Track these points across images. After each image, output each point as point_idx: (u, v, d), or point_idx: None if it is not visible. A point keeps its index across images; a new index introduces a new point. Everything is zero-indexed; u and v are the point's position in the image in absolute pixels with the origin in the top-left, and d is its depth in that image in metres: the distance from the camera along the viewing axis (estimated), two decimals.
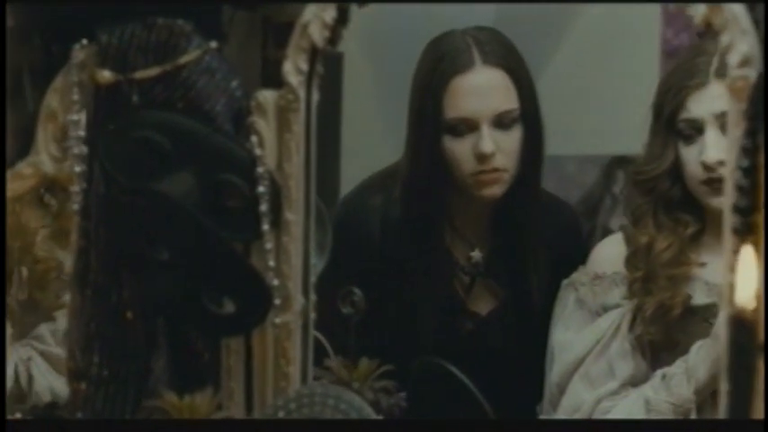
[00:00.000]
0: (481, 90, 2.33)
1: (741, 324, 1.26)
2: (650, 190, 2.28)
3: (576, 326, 2.32)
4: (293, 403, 1.58)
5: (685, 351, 2.21)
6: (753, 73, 1.43)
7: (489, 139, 2.31)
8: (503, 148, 2.33)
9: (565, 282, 2.37)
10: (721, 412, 1.44)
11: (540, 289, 2.38)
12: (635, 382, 2.26)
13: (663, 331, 2.23)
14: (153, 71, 1.70)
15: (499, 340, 2.41)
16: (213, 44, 1.72)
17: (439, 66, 2.34)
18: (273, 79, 1.75)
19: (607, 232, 3.97)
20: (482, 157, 2.32)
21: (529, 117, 2.36)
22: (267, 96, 1.70)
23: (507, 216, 2.40)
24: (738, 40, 1.44)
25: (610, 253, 2.35)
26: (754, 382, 1.28)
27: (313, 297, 1.73)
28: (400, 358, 1.91)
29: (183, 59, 1.70)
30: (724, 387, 1.44)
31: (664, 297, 2.23)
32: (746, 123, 1.42)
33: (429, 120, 2.33)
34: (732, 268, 1.42)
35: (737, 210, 1.42)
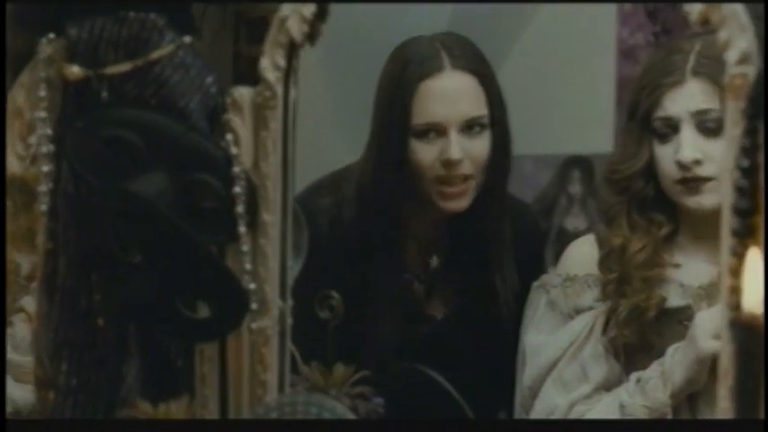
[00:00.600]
0: (450, 95, 2.30)
1: (749, 330, 1.23)
2: (624, 189, 2.26)
3: (548, 328, 2.29)
4: (275, 412, 1.52)
5: (660, 354, 2.19)
6: (752, 70, 1.39)
7: (457, 146, 2.27)
8: (470, 154, 2.30)
9: (535, 284, 2.34)
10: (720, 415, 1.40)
11: (505, 292, 2.33)
12: (609, 385, 2.23)
13: (637, 334, 2.21)
14: (124, 66, 1.64)
15: (455, 344, 2.37)
16: (187, 39, 1.66)
17: (407, 69, 2.30)
18: (246, 75, 1.69)
19: (563, 232, 3.95)
20: (449, 164, 2.28)
21: (497, 124, 2.32)
22: (243, 93, 1.64)
23: (469, 223, 2.36)
24: (737, 36, 1.40)
25: (582, 254, 2.32)
26: (762, 390, 1.24)
27: (290, 301, 1.67)
28: (369, 363, 1.86)
29: (156, 54, 1.64)
30: (723, 393, 1.41)
31: (638, 299, 2.20)
32: (745, 122, 1.38)
33: (396, 123, 2.28)
34: (732, 271, 1.38)
35: (737, 211, 1.38)
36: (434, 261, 2.38)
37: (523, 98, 2.55)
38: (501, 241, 2.37)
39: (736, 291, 1.37)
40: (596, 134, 4.02)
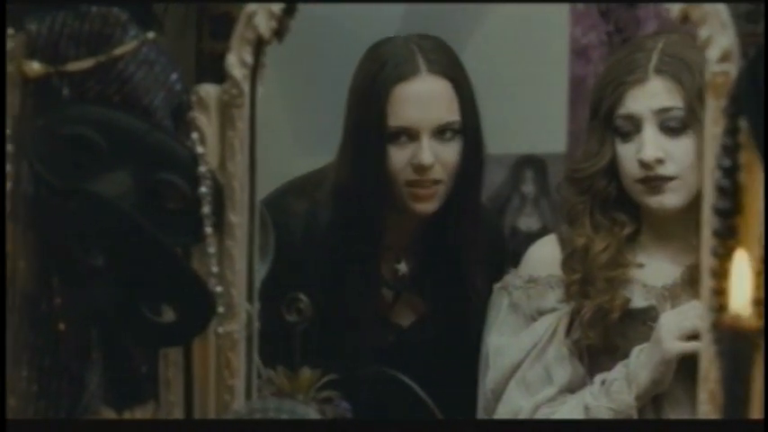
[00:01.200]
0: (424, 99, 2.26)
1: (736, 333, 1.20)
2: (587, 188, 2.24)
3: (511, 330, 2.27)
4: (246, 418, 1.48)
5: (624, 355, 2.17)
6: (733, 68, 1.37)
7: (429, 151, 2.24)
8: (442, 159, 2.26)
9: (497, 285, 2.31)
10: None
11: (475, 299, 2.30)
12: (573, 387, 2.20)
13: (601, 335, 2.19)
14: (86, 63, 1.59)
15: (421, 352, 2.33)
16: (151, 35, 1.61)
17: (382, 72, 2.26)
18: (210, 73, 1.65)
19: (516, 232, 3.93)
20: (420, 169, 2.25)
21: (469, 130, 2.29)
22: (209, 91, 1.61)
23: (440, 229, 2.33)
24: (718, 33, 1.38)
25: (544, 255, 2.30)
26: (750, 394, 1.22)
27: (257, 304, 1.63)
28: (337, 367, 1.83)
29: (119, 51, 1.60)
30: (704, 396, 1.39)
31: (602, 300, 2.18)
32: (726, 121, 1.36)
33: (372, 126, 2.24)
34: (714, 273, 1.36)
35: (717, 212, 1.36)
36: (403, 267, 2.35)
37: (476, 97, 2.52)
38: (473, 249, 2.34)
39: (717, 293, 1.35)
40: (549, 134, 4.01)
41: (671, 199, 2.16)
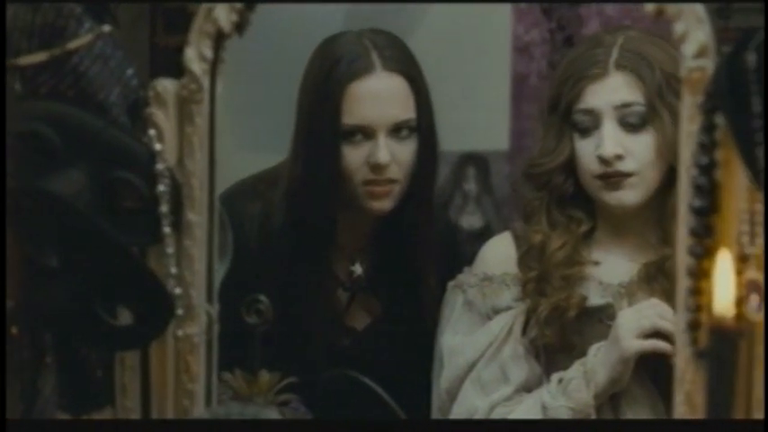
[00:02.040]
0: (380, 97, 2.21)
1: (721, 334, 1.18)
2: (544, 185, 2.22)
3: (466, 329, 2.24)
4: None
5: (581, 353, 2.15)
6: (710, 64, 1.34)
7: (386, 149, 2.20)
8: (398, 158, 2.22)
9: (451, 283, 2.28)
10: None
11: (430, 300, 2.27)
12: (529, 386, 2.18)
13: (558, 333, 2.17)
14: (39, 57, 1.54)
15: (375, 355, 2.30)
16: (106, 28, 1.56)
17: (335, 69, 2.21)
18: (164, 67, 1.60)
19: (458, 230, 3.91)
20: (377, 168, 2.20)
21: (424, 128, 2.25)
22: (167, 86, 1.56)
23: (395, 229, 2.29)
24: (694, 28, 1.35)
25: (498, 253, 2.28)
26: (733, 394, 1.20)
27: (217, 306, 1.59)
28: (297, 370, 1.79)
29: (73, 44, 1.55)
30: (680, 398, 1.36)
31: (558, 298, 2.16)
32: (703, 118, 1.33)
33: (326, 125, 2.19)
34: (690, 273, 1.33)
35: (694, 210, 1.34)
36: (358, 268, 2.31)
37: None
38: (427, 247, 2.30)
39: (694, 292, 1.33)
40: (492, 131, 3.99)
41: (629, 195, 2.15)
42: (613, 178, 2.14)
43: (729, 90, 1.29)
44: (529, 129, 3.67)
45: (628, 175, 2.14)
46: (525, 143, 3.85)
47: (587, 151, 2.16)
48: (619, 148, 2.14)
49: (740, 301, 1.26)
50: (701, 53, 1.35)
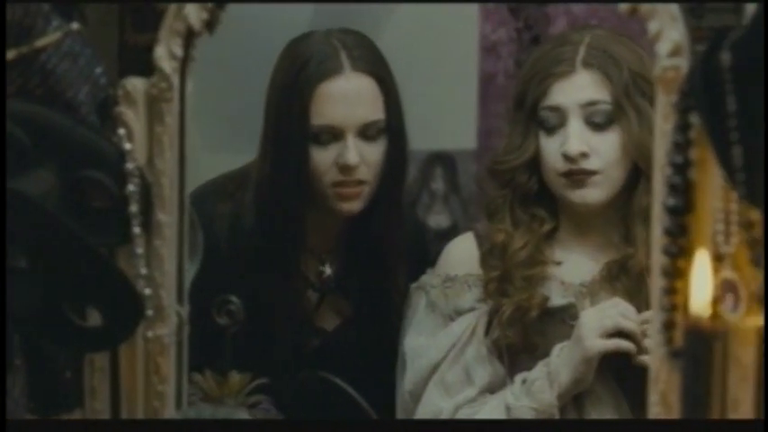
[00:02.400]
0: (349, 97, 2.20)
1: (697, 334, 1.18)
2: (508, 182, 2.21)
3: (429, 331, 2.23)
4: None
5: (544, 354, 2.15)
6: (684, 62, 1.34)
7: (355, 150, 2.18)
8: (367, 159, 2.20)
9: (414, 285, 2.28)
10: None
11: (399, 300, 2.26)
12: (493, 388, 2.18)
13: (521, 334, 2.16)
14: (7, 55, 1.51)
15: (345, 356, 2.28)
16: (75, 25, 1.54)
17: (304, 69, 2.19)
18: (134, 66, 1.58)
19: (427, 230, 3.90)
20: (346, 169, 2.19)
21: (394, 129, 2.24)
22: (137, 84, 1.54)
23: (364, 230, 2.28)
24: (668, 27, 1.35)
25: (461, 254, 2.27)
26: (710, 394, 1.20)
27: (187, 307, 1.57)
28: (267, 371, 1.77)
29: (42, 42, 1.52)
30: (655, 398, 1.36)
31: (520, 298, 2.15)
32: (678, 117, 1.33)
33: (294, 126, 2.18)
34: (665, 272, 1.33)
35: (669, 209, 1.33)
36: (327, 269, 2.29)
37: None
38: (396, 248, 2.29)
39: (669, 292, 1.32)
40: (459, 130, 3.99)
41: (593, 194, 2.15)
42: (578, 176, 2.14)
43: (704, 89, 1.28)
44: (496, 128, 3.67)
45: (592, 173, 2.14)
46: (493, 142, 3.84)
47: (552, 149, 2.16)
48: (584, 146, 2.14)
49: (716, 301, 1.25)
50: (675, 52, 1.34)
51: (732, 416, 1.28)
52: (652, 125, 2.09)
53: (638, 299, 2.12)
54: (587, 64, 2.15)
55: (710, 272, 1.21)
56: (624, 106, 2.14)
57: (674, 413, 1.32)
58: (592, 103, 2.15)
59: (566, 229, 2.23)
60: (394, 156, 2.24)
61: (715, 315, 1.21)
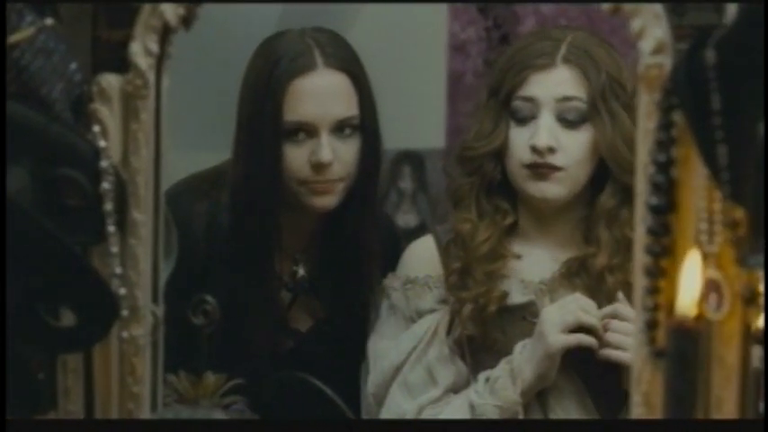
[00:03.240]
0: (323, 94, 2.18)
1: (683, 333, 1.17)
2: (475, 170, 2.21)
3: (391, 333, 2.23)
4: None
5: (505, 352, 2.15)
6: (667, 60, 1.33)
7: (329, 148, 2.16)
8: (341, 157, 2.19)
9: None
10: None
11: (372, 300, 2.24)
12: (456, 388, 2.18)
13: (480, 329, 2.16)
14: None
15: (320, 357, 2.27)
16: (49, 21, 1.51)
17: (278, 66, 2.17)
18: (107, 62, 1.56)
19: (397, 229, 3.89)
20: (319, 166, 2.17)
21: (368, 126, 2.22)
22: (112, 81, 1.51)
23: (337, 229, 2.26)
24: (651, 24, 1.34)
25: (421, 256, 2.27)
26: (695, 394, 1.19)
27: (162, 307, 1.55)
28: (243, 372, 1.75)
29: (15, 38, 1.49)
30: (637, 398, 1.35)
31: (479, 292, 2.15)
32: (661, 115, 1.32)
33: (266, 123, 2.15)
34: (648, 271, 1.32)
35: (652, 208, 1.33)
36: (301, 270, 2.27)
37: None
38: (370, 249, 2.28)
39: (652, 291, 1.32)
40: (428, 129, 3.98)
41: (552, 189, 2.15)
42: (541, 169, 2.14)
43: (689, 87, 1.28)
44: (465, 126, 3.67)
45: (556, 168, 2.14)
46: None
47: (521, 140, 2.16)
48: (553, 140, 2.14)
49: (699, 301, 1.25)
50: (658, 50, 1.34)
51: (716, 415, 1.27)
52: (624, 130, 2.11)
53: (599, 297, 2.13)
54: (567, 60, 2.15)
55: (695, 271, 1.20)
56: (599, 107, 2.14)
57: (657, 413, 1.32)
58: (567, 99, 2.15)
59: (526, 223, 2.23)
60: (368, 154, 2.22)
61: (699, 315, 1.20)
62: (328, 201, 2.20)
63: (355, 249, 2.26)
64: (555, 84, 2.15)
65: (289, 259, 2.28)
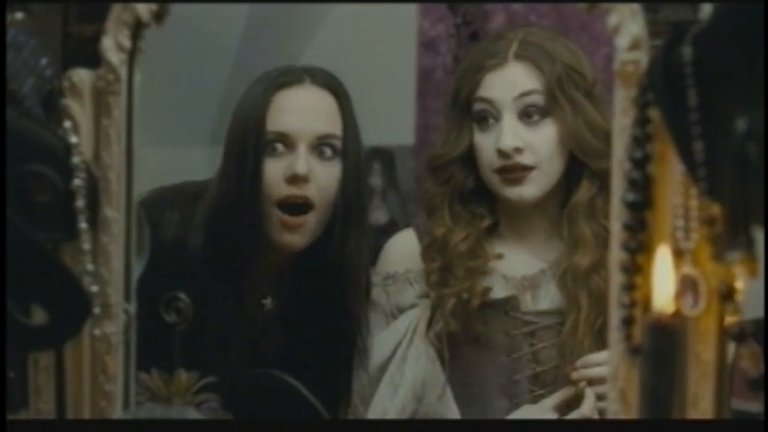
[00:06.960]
0: (305, 108, 2.17)
1: (659, 330, 1.17)
2: (446, 180, 2.21)
3: (373, 330, 2.22)
4: None
5: (486, 344, 2.15)
6: (643, 56, 1.33)
7: (304, 160, 2.12)
8: (317, 177, 2.14)
9: None
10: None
11: (358, 334, 2.22)
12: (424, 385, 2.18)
13: (463, 323, 2.16)
14: None
15: (294, 355, 2.24)
16: (19, 15, 1.50)
17: (263, 81, 2.18)
18: (78, 57, 1.54)
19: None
20: (294, 179, 2.12)
21: (350, 151, 2.18)
22: (83, 76, 1.50)
23: (314, 263, 2.21)
24: (628, 20, 1.33)
25: (401, 251, 2.27)
26: (673, 393, 1.18)
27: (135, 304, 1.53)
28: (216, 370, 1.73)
29: None
30: (614, 395, 1.34)
31: (461, 288, 2.15)
32: (637, 112, 1.32)
33: (250, 136, 2.13)
34: (624, 268, 1.32)
35: (628, 204, 1.32)
36: (269, 303, 2.23)
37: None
38: (356, 286, 2.22)
39: (628, 288, 1.31)
40: (397, 126, 3.98)
41: (528, 190, 2.15)
42: (513, 172, 2.14)
43: (665, 84, 1.27)
44: (435, 123, 3.67)
45: (527, 168, 2.14)
46: (431, 138, 3.83)
47: (487, 145, 2.16)
48: (518, 140, 2.14)
49: (675, 297, 1.24)
50: (634, 46, 1.33)
51: (692, 413, 1.27)
52: (587, 117, 2.12)
53: (582, 293, 2.13)
54: (519, 56, 2.16)
55: (667, 267, 1.20)
56: (558, 97, 2.14)
57: (634, 412, 1.31)
58: (524, 95, 2.15)
59: (506, 225, 2.24)
60: (349, 180, 2.17)
61: (675, 311, 1.20)
62: (297, 240, 2.16)
63: (334, 284, 2.20)
64: (510, 82, 2.15)
65: (257, 291, 2.24)
